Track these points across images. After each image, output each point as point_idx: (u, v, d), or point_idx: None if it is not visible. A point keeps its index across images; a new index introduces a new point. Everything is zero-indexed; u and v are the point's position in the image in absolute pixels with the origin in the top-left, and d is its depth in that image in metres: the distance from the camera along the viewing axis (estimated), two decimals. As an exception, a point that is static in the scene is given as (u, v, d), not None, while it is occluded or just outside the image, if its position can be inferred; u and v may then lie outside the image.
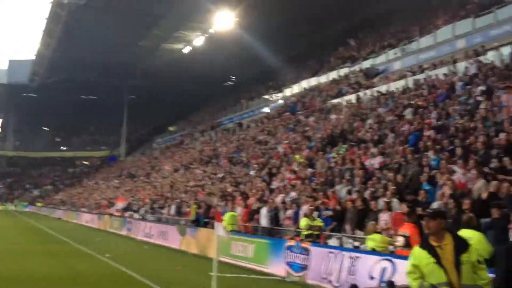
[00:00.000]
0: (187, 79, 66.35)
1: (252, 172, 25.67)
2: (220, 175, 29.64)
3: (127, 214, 32.85)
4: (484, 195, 10.87)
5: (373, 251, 11.10)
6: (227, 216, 17.93)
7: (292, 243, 13.83)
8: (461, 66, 23.64)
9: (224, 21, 46.54)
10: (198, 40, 53.90)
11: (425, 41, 31.01)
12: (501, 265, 3.94)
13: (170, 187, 34.17)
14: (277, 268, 14.18)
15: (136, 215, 31.43)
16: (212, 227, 18.03)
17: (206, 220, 21.27)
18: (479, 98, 17.55)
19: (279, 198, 18.20)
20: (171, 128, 72.50)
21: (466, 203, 10.55)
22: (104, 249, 19.95)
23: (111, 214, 35.50)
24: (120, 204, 35.64)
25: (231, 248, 16.88)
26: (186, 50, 57.42)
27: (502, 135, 13.41)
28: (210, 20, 47.69)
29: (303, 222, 14.33)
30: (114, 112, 77.48)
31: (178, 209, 26.46)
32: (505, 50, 22.52)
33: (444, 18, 31.82)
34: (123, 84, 71.54)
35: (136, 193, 39.45)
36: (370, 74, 32.89)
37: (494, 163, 12.08)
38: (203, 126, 57.24)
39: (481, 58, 22.96)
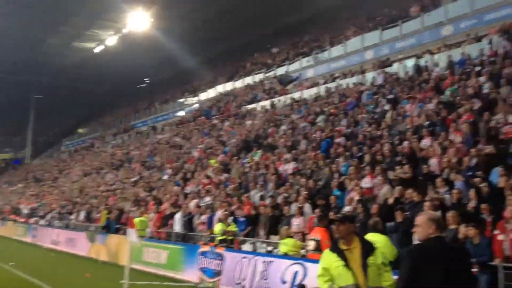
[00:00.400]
0: (99, 79, 64.27)
1: (166, 177, 25.37)
2: (132, 180, 29.01)
3: (32, 220, 31.26)
4: (390, 201, 11.47)
5: (285, 256, 11.34)
6: (135, 222, 17.58)
7: (206, 248, 13.82)
8: (369, 76, 24.79)
9: (139, 21, 45.62)
10: (111, 40, 52.38)
11: (336, 51, 32.15)
12: (404, 267, 4.19)
13: (80, 192, 32.95)
14: (191, 274, 14.11)
15: (42, 221, 29.98)
16: (124, 233, 17.68)
17: (117, 226, 20.74)
18: (385, 108, 18.47)
19: (193, 203, 18.12)
20: (80, 130, 69.89)
21: (373, 208, 11.09)
22: (8, 257, 18.87)
23: (15, 220, 33.63)
24: (23, 205, 33.91)
25: (143, 255, 16.58)
26: (98, 49, 55.66)
27: (406, 144, 14.22)
28: (124, 19, 46.52)
29: (218, 227, 14.37)
30: (20, 112, 73.34)
31: (87, 215, 25.58)
32: (409, 62, 23.88)
33: (354, 30, 33.18)
34: (29, 82, 67.99)
35: (42, 198, 37.64)
36: (284, 81, 33.60)
37: (398, 170, 12.75)
38: (115, 129, 55.73)
39: (388, 69, 24.20)
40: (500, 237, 8.58)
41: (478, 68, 17.47)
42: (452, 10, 25.36)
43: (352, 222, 5.33)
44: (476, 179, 10.39)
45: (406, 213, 10.44)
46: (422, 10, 27.50)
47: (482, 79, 16.28)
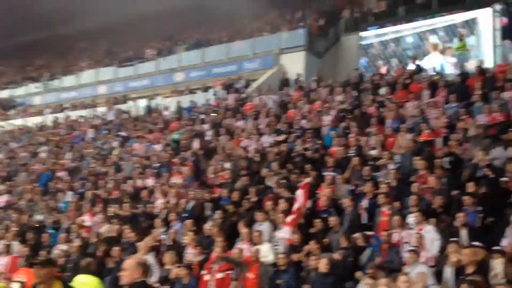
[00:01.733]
0: None
1: None
2: None
3: None
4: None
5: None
6: None
7: None
8: (101, 111, 24.41)
9: None
10: None
11: (69, 81, 30.89)
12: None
13: None
14: None
15: None
16: None
17: None
18: (114, 144, 18.36)
19: None
20: None
21: (99, 251, 10.59)
22: None
23: None
24: None
25: None
26: None
27: (130, 182, 14.27)
28: None
29: None
30: None
31: None
32: (142, 103, 24.36)
33: (89, 62, 32.49)
34: None
35: None
36: (7, 106, 30.84)
37: (117, 209, 12.59)
38: None
39: (121, 106, 24.22)
40: (207, 277, 9.08)
41: (203, 116, 18.73)
42: (185, 59, 26.82)
43: (54, 265, 5.01)
44: (189, 221, 10.85)
45: (123, 253, 10.29)
46: (157, 54, 28.50)
47: (205, 126, 17.48)
